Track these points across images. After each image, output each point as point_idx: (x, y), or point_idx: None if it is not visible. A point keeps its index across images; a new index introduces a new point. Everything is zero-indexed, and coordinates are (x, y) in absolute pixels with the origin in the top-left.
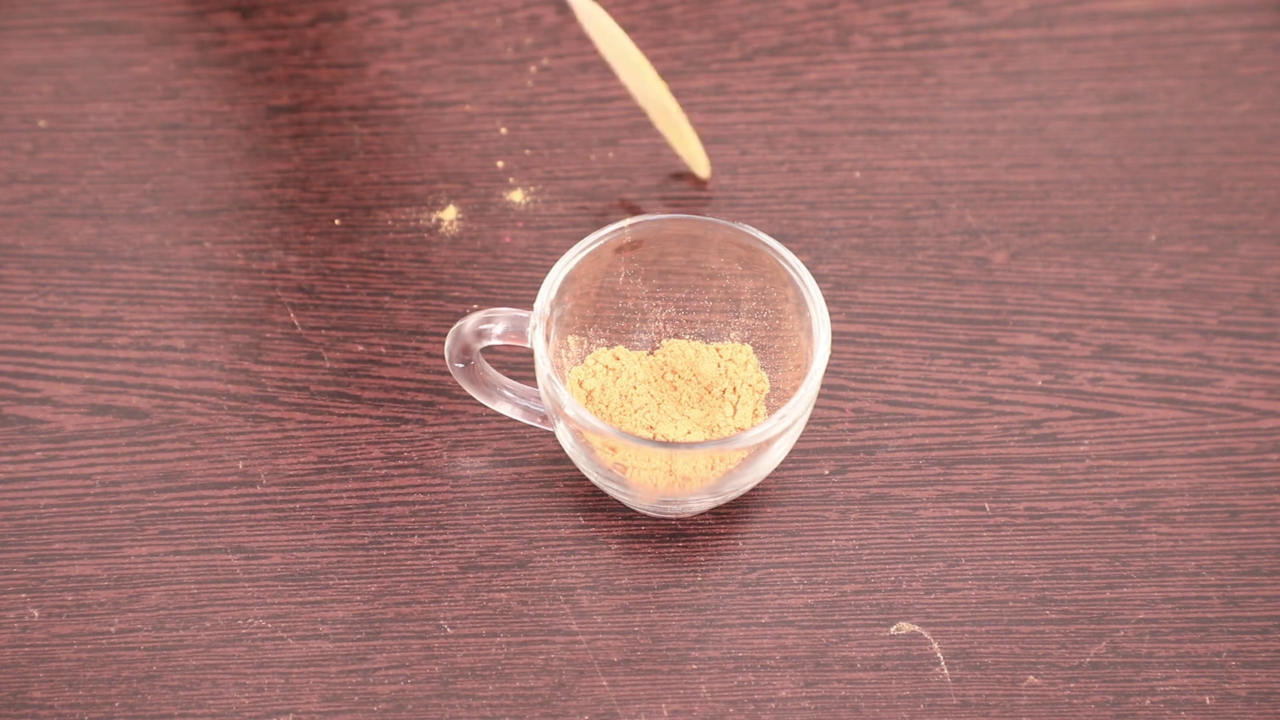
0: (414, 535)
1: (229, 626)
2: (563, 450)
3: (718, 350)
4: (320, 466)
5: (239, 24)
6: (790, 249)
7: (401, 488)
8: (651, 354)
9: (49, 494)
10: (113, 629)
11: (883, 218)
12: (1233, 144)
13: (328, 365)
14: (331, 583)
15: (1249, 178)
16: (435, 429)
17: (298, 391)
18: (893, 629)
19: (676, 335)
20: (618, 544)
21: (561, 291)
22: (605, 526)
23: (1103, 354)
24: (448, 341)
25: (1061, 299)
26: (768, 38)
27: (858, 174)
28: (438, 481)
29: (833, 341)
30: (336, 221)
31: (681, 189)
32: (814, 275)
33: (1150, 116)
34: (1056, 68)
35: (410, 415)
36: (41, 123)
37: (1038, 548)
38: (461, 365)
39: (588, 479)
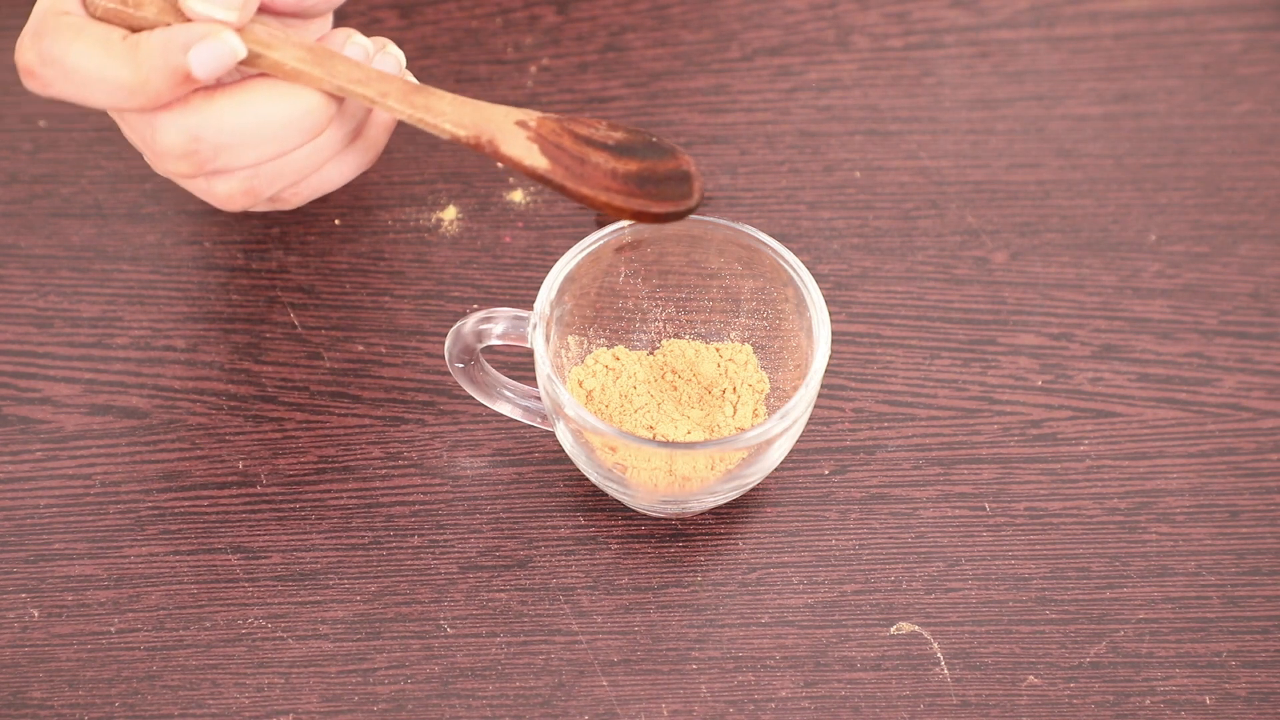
0: (414, 535)
1: (229, 626)
2: (563, 450)
3: (718, 350)
4: (320, 466)
5: None
6: (790, 249)
7: (401, 488)
8: (651, 354)
9: (49, 494)
10: (113, 629)
11: (883, 218)
12: (1233, 144)
13: (328, 365)
14: (331, 583)
15: (1249, 178)
16: (435, 429)
17: (298, 391)
18: (893, 629)
19: (676, 335)
20: (618, 544)
21: (561, 291)
22: (605, 526)
23: (1103, 354)
24: (448, 342)
25: (1061, 299)
26: (768, 38)
27: (858, 174)
28: (438, 481)
29: (833, 341)
30: (336, 221)
31: None
32: (814, 275)
33: (1150, 116)
34: (1056, 68)
35: (410, 415)
36: (41, 123)
37: (1038, 548)
38: (461, 365)
39: (588, 479)
